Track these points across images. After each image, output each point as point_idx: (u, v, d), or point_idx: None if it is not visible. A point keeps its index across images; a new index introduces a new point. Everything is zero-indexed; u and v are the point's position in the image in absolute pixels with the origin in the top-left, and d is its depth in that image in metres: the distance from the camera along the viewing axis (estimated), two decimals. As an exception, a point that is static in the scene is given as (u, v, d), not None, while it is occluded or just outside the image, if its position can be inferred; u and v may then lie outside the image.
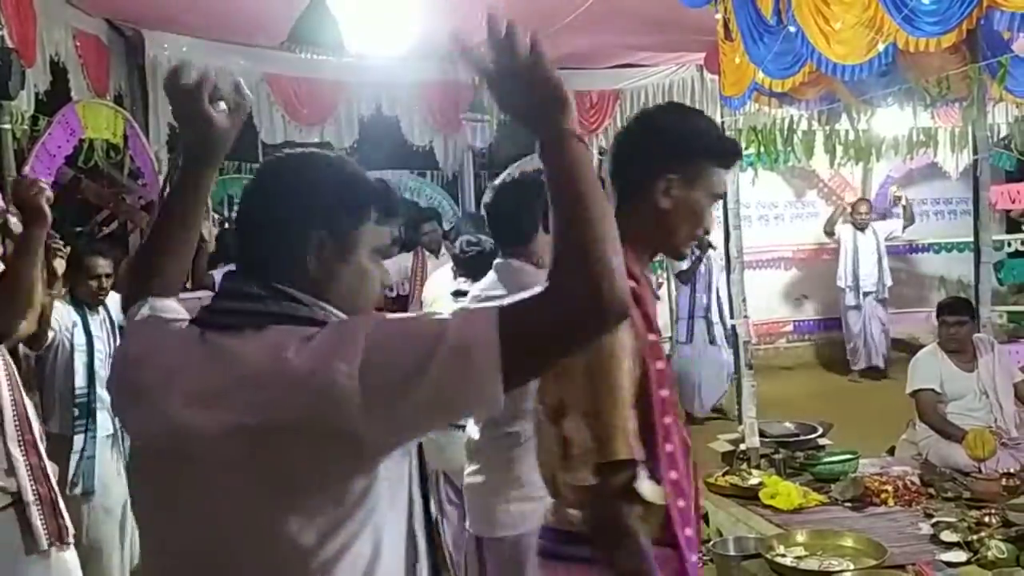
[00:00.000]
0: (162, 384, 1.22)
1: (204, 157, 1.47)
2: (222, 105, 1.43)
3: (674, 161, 1.78)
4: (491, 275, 2.74)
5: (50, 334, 3.57)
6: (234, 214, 1.32)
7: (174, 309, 1.40)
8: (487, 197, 2.91)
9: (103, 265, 3.78)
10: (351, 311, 1.25)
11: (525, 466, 2.34)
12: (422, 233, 6.85)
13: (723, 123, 5.00)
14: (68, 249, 3.41)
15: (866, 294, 8.38)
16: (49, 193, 2.49)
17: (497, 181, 3.63)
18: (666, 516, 1.66)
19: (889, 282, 8.51)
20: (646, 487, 1.57)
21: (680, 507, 1.69)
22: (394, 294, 6.50)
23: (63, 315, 3.65)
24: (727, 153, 1.86)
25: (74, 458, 3.58)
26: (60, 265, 3.33)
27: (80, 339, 3.68)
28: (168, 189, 1.55)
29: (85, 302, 3.76)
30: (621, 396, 1.59)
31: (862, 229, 8.39)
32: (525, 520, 2.39)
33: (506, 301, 1.14)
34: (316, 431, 1.11)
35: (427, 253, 6.69)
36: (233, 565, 1.20)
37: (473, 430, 2.67)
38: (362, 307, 1.29)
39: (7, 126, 4.50)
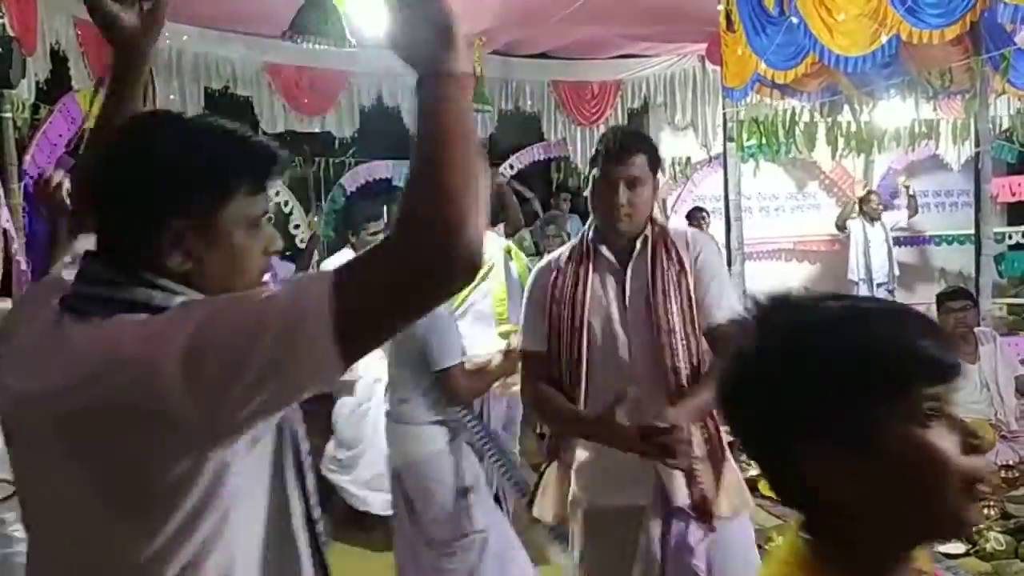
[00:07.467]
0: (13, 363, 1.16)
1: (123, 59, 1.41)
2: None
3: None
4: None
5: None
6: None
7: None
8: None
9: None
10: (230, 291, 1.13)
11: None
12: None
13: (725, 114, 4.99)
14: None
15: (879, 285, 8.38)
16: (67, 184, 2.55)
17: None
18: None
19: (898, 272, 8.52)
20: None
21: None
22: None
23: None
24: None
25: None
26: None
27: None
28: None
29: None
30: None
31: (874, 220, 8.40)
32: None
33: (347, 261, 1.04)
34: (139, 416, 1.02)
35: None
36: (70, 566, 1.14)
37: None
38: (245, 285, 1.15)
39: (8, 114, 4.51)
